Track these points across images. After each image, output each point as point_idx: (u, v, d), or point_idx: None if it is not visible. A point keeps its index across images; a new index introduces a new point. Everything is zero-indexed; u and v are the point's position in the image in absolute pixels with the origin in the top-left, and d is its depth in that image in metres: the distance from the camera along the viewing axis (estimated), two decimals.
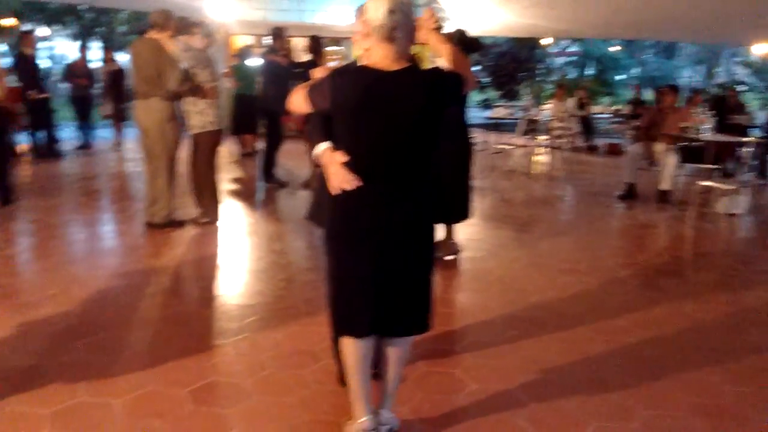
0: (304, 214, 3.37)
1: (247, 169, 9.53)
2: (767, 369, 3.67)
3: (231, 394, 3.19)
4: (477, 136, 6.74)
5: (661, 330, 4.16)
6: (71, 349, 3.59)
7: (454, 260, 5.47)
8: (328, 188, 2.57)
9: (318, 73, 2.71)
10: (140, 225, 6.21)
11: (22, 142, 10.28)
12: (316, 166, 2.74)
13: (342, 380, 2.99)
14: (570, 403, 3.18)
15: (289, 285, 4.81)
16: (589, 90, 16.64)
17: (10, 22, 17.73)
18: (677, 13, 10.56)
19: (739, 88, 18.99)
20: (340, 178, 2.49)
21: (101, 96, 12.01)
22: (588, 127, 14.47)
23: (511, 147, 10.69)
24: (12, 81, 9.08)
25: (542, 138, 11.43)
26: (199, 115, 6.03)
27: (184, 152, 6.20)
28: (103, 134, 12.36)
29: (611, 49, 27.12)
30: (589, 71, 27.46)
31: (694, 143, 8.00)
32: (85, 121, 11.50)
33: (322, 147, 2.63)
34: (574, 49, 28.36)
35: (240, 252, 5.69)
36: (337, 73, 2.55)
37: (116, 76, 11.52)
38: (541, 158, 11.48)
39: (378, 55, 2.46)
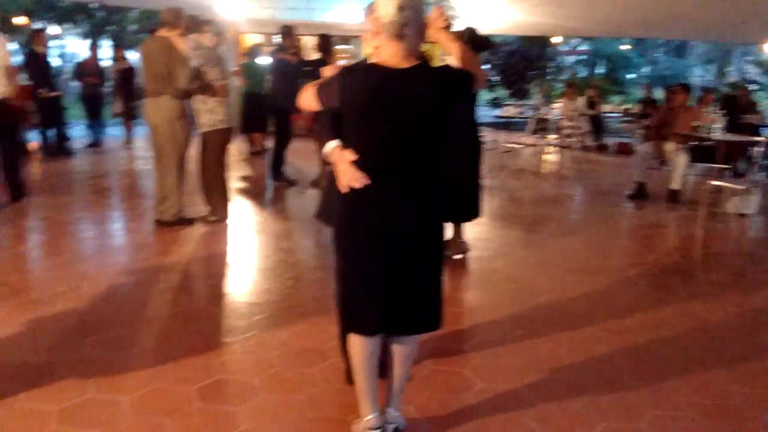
0: (313, 212, 3.37)
1: (256, 168, 9.55)
2: None
3: (238, 391, 3.20)
4: (486, 135, 6.73)
5: (670, 330, 4.15)
6: (80, 346, 3.61)
7: (463, 259, 5.46)
8: (338, 186, 2.57)
9: (328, 72, 2.71)
10: (150, 223, 6.24)
11: (33, 139, 10.34)
12: (326, 164, 2.74)
13: (349, 379, 2.99)
14: (577, 403, 3.17)
15: (297, 283, 4.82)
16: (599, 89, 16.57)
17: (21, 20, 17.82)
18: (688, 12, 10.52)
19: (751, 87, 18.89)
20: (349, 176, 2.49)
21: (111, 94, 12.05)
22: (598, 126, 14.42)
23: (521, 146, 10.66)
24: (23, 79, 9.12)
25: (552, 137, 11.40)
26: (209, 113, 6.04)
27: (193, 150, 6.21)
28: (114, 132, 12.41)
29: (622, 47, 27.02)
30: (600, 70, 27.37)
31: (704, 143, 7.97)
32: (95, 119, 11.55)
33: (332, 145, 2.64)
34: (584, 47, 28.28)
35: (248, 250, 5.71)
36: (346, 71, 2.55)
37: (126, 74, 11.56)
38: (551, 157, 11.45)
39: (388, 53, 2.46)
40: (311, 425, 2.93)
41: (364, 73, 2.53)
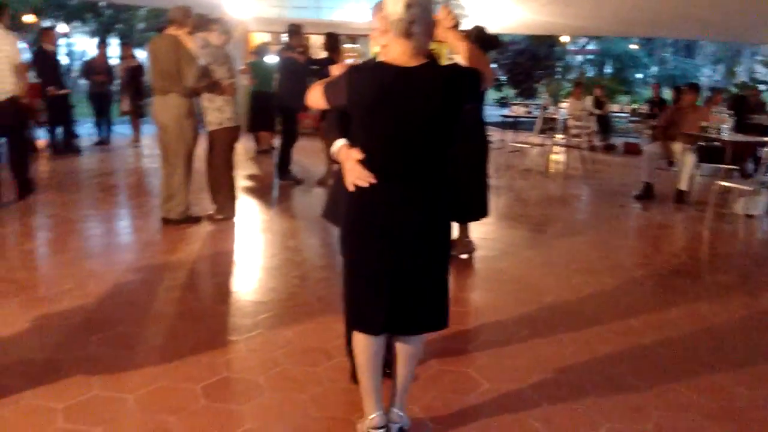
0: (320, 211, 3.37)
1: (263, 166, 9.56)
2: None
3: (243, 390, 3.20)
4: (493, 135, 6.72)
5: (676, 331, 4.14)
6: (86, 343, 3.62)
7: (469, 259, 5.46)
8: (345, 185, 2.57)
9: (336, 71, 2.71)
10: (156, 221, 6.25)
11: (41, 137, 10.38)
12: (334, 163, 2.74)
13: (355, 378, 2.99)
14: (582, 404, 3.17)
15: (303, 282, 4.82)
16: (607, 88, 16.53)
17: (30, 18, 17.89)
18: (697, 11, 10.48)
19: (761, 87, 18.78)
20: (356, 175, 2.49)
21: (119, 92, 12.09)
22: (605, 126, 14.37)
23: (528, 146, 10.64)
24: (31, 77, 9.15)
25: (559, 137, 11.37)
26: (217, 111, 6.06)
27: (201, 149, 6.23)
28: (121, 130, 12.45)
29: (630, 47, 26.93)
30: (608, 69, 27.28)
31: (712, 143, 7.93)
32: (103, 117, 11.58)
33: (339, 144, 2.64)
34: (592, 47, 28.19)
35: (254, 248, 5.72)
36: (354, 70, 2.55)
37: (135, 72, 11.58)
38: (558, 157, 11.42)
39: (396, 52, 2.45)
40: (316, 424, 2.93)
41: (371, 71, 2.53)
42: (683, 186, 8.10)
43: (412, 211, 2.50)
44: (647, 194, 8.30)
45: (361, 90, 2.46)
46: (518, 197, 8.46)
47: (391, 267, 2.54)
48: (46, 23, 17.97)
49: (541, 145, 11.01)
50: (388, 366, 2.88)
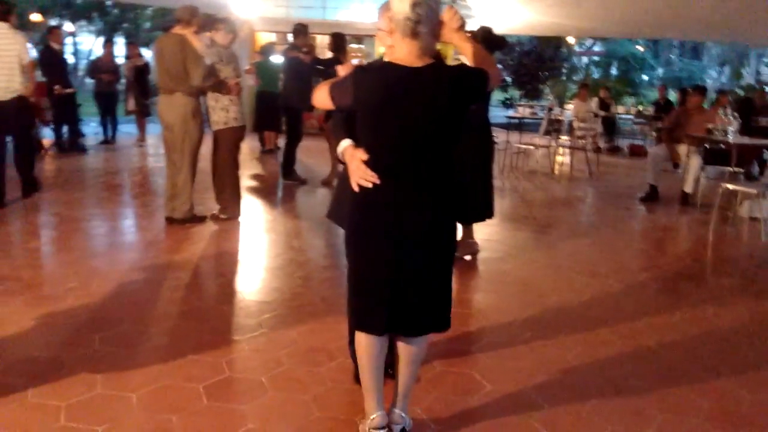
0: (325, 212, 3.37)
1: (268, 166, 9.57)
2: None
3: (246, 390, 3.20)
4: (498, 136, 6.72)
5: (680, 334, 4.12)
6: (90, 342, 3.62)
7: (473, 260, 5.46)
8: (350, 185, 2.57)
9: (342, 71, 2.71)
10: (161, 220, 6.26)
11: (47, 136, 10.41)
12: (339, 163, 2.74)
13: (358, 379, 2.99)
14: (585, 407, 3.16)
15: (307, 282, 4.83)
16: (612, 90, 16.49)
17: (36, 17, 17.95)
18: (704, 12, 10.46)
19: (767, 89, 18.71)
20: (360, 175, 2.49)
21: (125, 92, 12.12)
22: (611, 127, 14.35)
23: (533, 147, 10.64)
24: (37, 76, 9.18)
25: (564, 138, 11.35)
26: (222, 111, 6.07)
27: (206, 148, 6.23)
28: (127, 129, 12.47)
29: (637, 48, 26.88)
30: (614, 71, 27.24)
31: (717, 145, 7.91)
32: (109, 117, 11.61)
33: (344, 144, 2.64)
34: (598, 48, 28.15)
35: (259, 248, 5.73)
36: (360, 70, 2.55)
37: (140, 71, 11.61)
38: (563, 159, 11.41)
39: (402, 52, 2.45)
40: (318, 424, 2.92)
41: (378, 71, 2.53)
42: (688, 188, 8.08)
43: (416, 212, 2.50)
44: (652, 196, 8.28)
45: (368, 90, 2.46)
46: (523, 198, 8.46)
47: (395, 267, 2.53)
48: (53, 22, 18.03)
49: (546, 146, 11.00)
50: (390, 367, 2.87)
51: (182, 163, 6.01)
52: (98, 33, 24.39)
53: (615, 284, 5.04)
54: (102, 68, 11.45)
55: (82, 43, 27.31)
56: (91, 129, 12.36)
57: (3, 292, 4.31)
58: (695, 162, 7.99)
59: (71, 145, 10.43)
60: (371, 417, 2.70)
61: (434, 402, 3.14)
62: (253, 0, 12.61)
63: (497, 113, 14.32)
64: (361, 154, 2.50)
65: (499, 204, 6.18)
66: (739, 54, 28.33)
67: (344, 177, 2.76)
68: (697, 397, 3.31)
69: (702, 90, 8.94)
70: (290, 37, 9.10)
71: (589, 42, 27.15)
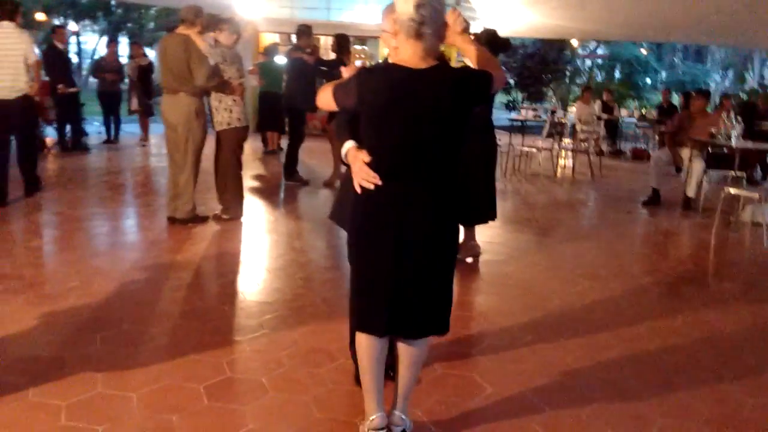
0: (328, 213, 3.37)
1: (270, 167, 9.57)
2: None
3: (247, 390, 3.20)
4: (501, 138, 6.73)
5: (681, 339, 4.12)
6: (91, 341, 3.63)
7: (474, 262, 5.45)
8: (353, 187, 2.57)
9: (346, 73, 2.71)
10: (163, 220, 6.26)
11: (50, 135, 10.42)
12: (344, 164, 2.74)
13: (358, 380, 2.98)
14: (586, 410, 3.15)
15: (308, 283, 4.83)
16: (615, 93, 16.48)
17: (40, 16, 17.99)
18: (707, 16, 10.45)
19: None
20: (362, 176, 2.49)
21: (128, 91, 12.14)
22: (614, 131, 14.34)
23: (536, 149, 10.63)
24: (41, 75, 9.20)
25: (567, 141, 11.35)
26: (226, 111, 6.07)
27: (208, 148, 6.23)
28: (130, 129, 12.49)
29: (641, 50, 26.88)
30: (617, 74, 27.24)
31: (720, 149, 7.90)
32: (112, 116, 11.62)
33: (348, 145, 2.64)
34: (602, 51, 28.15)
35: (260, 249, 5.73)
36: (365, 71, 2.55)
37: (144, 71, 11.62)
38: (566, 162, 11.40)
39: (406, 53, 2.45)
40: (319, 425, 2.92)
41: (382, 73, 2.54)
42: (691, 192, 8.07)
43: (419, 213, 2.50)
44: (654, 200, 8.28)
45: (372, 92, 2.46)
46: (525, 201, 8.45)
47: (396, 268, 2.53)
48: (57, 21, 18.07)
49: (549, 149, 11.00)
50: (391, 368, 2.87)
51: (185, 163, 6.01)
52: (102, 32, 24.46)
53: (616, 288, 5.04)
54: (105, 68, 11.47)
55: (86, 43, 27.38)
56: (94, 128, 12.38)
57: (4, 290, 4.32)
58: (698, 166, 7.98)
59: (74, 144, 10.44)
60: (371, 418, 2.70)
61: (435, 404, 3.13)
62: (258, 0, 12.62)
63: (500, 115, 14.32)
64: (364, 156, 2.50)
65: (502, 206, 6.18)
66: (743, 58, 28.33)
67: (347, 178, 2.76)
68: (697, 401, 3.30)
69: (705, 94, 8.93)
70: (294, 38, 9.10)
71: (592, 45, 27.13)
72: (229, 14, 8.86)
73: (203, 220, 6.24)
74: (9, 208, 6.51)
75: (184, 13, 5.95)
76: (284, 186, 8.46)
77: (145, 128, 11.83)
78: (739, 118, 8.33)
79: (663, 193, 8.32)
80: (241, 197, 6.44)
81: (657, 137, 12.99)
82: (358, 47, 13.57)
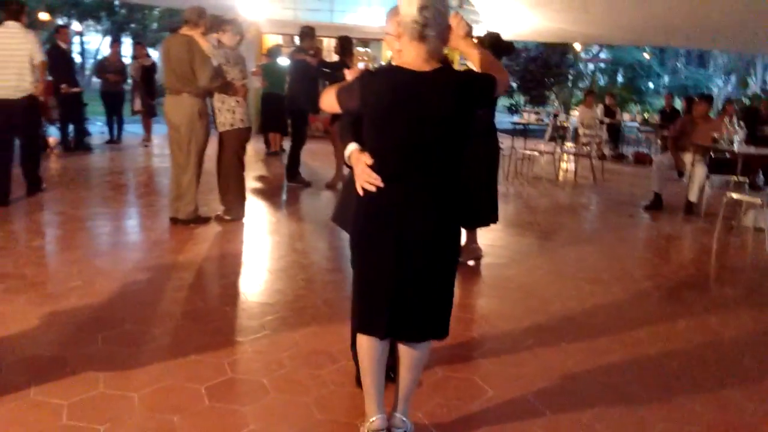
0: (330, 215, 3.37)
1: (273, 168, 9.57)
2: None
3: (248, 391, 3.20)
4: (503, 141, 6.73)
5: (683, 343, 4.12)
6: (93, 341, 3.63)
7: (476, 265, 5.45)
8: (355, 189, 2.57)
9: (350, 75, 2.72)
10: (165, 220, 6.27)
11: (53, 134, 10.43)
12: (347, 167, 2.74)
13: (360, 381, 2.98)
14: (587, 414, 3.15)
15: (310, 285, 4.83)
16: (618, 97, 16.48)
17: (44, 16, 18.02)
18: (710, 21, 10.45)
19: None
20: (365, 178, 2.50)
21: (131, 91, 12.16)
22: (616, 135, 14.34)
23: (538, 153, 10.63)
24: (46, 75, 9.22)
25: (569, 145, 11.35)
26: (228, 112, 6.08)
27: (211, 149, 6.24)
28: (133, 129, 12.50)
29: (644, 55, 26.87)
30: (620, 78, 27.24)
31: (722, 154, 7.90)
32: (115, 116, 11.64)
33: (351, 148, 2.64)
34: (604, 55, 28.15)
35: (262, 250, 5.73)
36: (368, 74, 2.55)
37: (147, 71, 11.64)
38: (568, 165, 11.40)
39: (410, 56, 2.45)
40: (320, 427, 2.92)
41: (385, 75, 2.54)
42: (693, 197, 8.07)
43: (420, 216, 2.50)
44: (656, 205, 8.27)
45: (375, 94, 2.46)
46: (527, 204, 8.45)
47: (398, 271, 2.53)
48: (61, 21, 18.10)
49: (551, 152, 10.99)
50: (392, 370, 2.87)
51: (188, 163, 6.02)
52: (105, 33, 24.49)
53: (618, 292, 5.04)
54: (109, 68, 11.49)
55: (90, 43, 27.42)
56: (97, 128, 12.40)
57: (6, 290, 4.32)
58: (700, 171, 7.98)
59: (77, 144, 10.46)
60: (371, 420, 2.70)
61: (436, 407, 3.13)
62: (261, 2, 12.64)
63: (502, 119, 14.32)
64: (367, 158, 2.50)
65: (503, 209, 6.18)
66: (746, 63, 28.32)
67: (350, 181, 2.76)
68: (699, 406, 3.30)
69: (708, 99, 8.93)
70: (297, 40, 9.11)
71: (595, 49, 27.14)
72: (232, 15, 8.88)
73: (205, 220, 6.25)
74: (11, 207, 6.51)
75: (187, 13, 5.96)
76: (286, 187, 8.47)
77: (147, 129, 11.85)
78: (742, 123, 8.34)
79: (665, 198, 8.31)
80: (243, 198, 6.44)
81: (659, 142, 12.99)
82: (361, 49, 13.59)
